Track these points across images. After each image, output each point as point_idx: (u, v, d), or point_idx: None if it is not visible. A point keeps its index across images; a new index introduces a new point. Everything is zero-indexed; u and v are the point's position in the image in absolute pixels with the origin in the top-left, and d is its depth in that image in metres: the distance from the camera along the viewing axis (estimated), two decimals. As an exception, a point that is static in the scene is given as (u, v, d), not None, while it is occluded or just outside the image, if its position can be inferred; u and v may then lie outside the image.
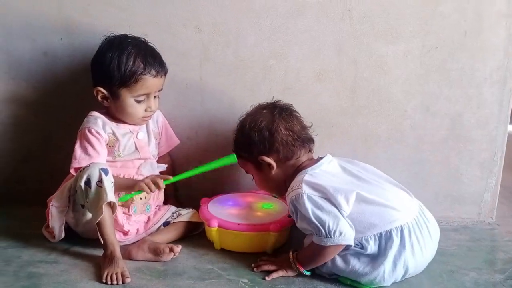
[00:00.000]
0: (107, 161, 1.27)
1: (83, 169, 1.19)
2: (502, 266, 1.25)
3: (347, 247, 1.11)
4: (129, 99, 1.26)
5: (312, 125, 1.27)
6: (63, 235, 1.25)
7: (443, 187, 1.48)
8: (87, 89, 1.32)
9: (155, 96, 1.30)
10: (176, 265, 1.20)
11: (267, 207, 1.34)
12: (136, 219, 1.30)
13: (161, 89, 1.31)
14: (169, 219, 1.33)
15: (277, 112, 1.22)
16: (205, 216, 1.28)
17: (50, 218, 1.23)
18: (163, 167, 1.36)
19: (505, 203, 1.61)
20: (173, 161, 1.47)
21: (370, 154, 1.45)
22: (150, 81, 1.25)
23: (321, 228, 1.08)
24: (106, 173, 1.17)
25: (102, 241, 1.17)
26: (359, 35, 1.38)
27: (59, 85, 1.43)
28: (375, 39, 1.38)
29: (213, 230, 1.25)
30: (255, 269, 1.17)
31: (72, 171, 1.24)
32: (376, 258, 1.10)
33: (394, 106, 1.43)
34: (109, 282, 1.11)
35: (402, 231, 1.10)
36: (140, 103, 1.27)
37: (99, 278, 1.12)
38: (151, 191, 1.20)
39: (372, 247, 1.10)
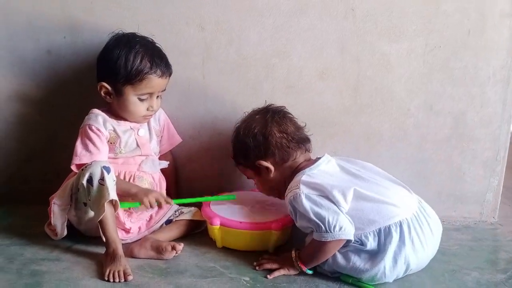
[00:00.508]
0: (109, 158, 1.28)
1: (85, 167, 1.19)
2: (504, 266, 1.24)
3: (347, 244, 1.11)
4: (132, 96, 1.26)
5: (305, 125, 1.28)
6: (65, 233, 1.25)
7: (446, 186, 1.47)
8: (91, 87, 1.33)
9: (157, 96, 1.30)
10: (178, 263, 1.20)
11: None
12: (138, 217, 1.31)
13: (164, 90, 1.31)
14: (171, 217, 1.33)
15: (270, 116, 1.24)
16: (207, 214, 1.28)
17: (52, 216, 1.24)
18: (165, 164, 1.37)
19: (507, 203, 1.60)
20: (175, 160, 1.47)
21: (373, 152, 1.45)
22: (155, 81, 1.26)
23: (321, 224, 1.09)
24: (108, 171, 1.17)
25: (104, 239, 1.18)
26: (362, 34, 1.38)
27: (63, 83, 1.44)
28: (378, 38, 1.38)
29: (215, 228, 1.25)
30: (257, 268, 1.18)
31: (73, 167, 1.25)
32: (376, 255, 1.10)
33: (397, 104, 1.43)
34: (111, 280, 1.11)
35: (401, 226, 1.11)
36: (142, 102, 1.28)
37: (101, 276, 1.13)
38: (151, 207, 1.21)
39: (371, 243, 1.11)
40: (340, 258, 1.12)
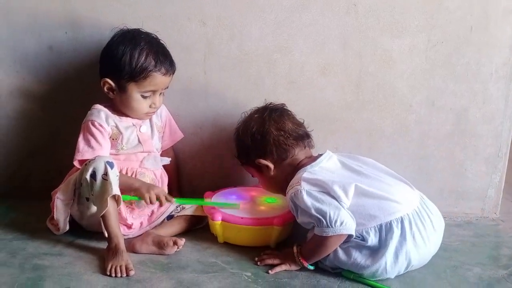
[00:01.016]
0: (110, 154, 1.28)
1: (89, 162, 1.19)
2: (506, 261, 1.24)
3: (349, 239, 1.11)
4: (135, 93, 1.26)
5: (304, 121, 1.28)
6: (67, 227, 1.26)
7: (448, 182, 1.47)
8: (93, 83, 1.33)
9: (160, 93, 1.30)
10: (179, 258, 1.20)
11: (270, 201, 1.34)
12: (140, 213, 1.31)
13: (167, 87, 1.31)
14: (173, 213, 1.33)
15: (267, 115, 1.24)
16: (209, 210, 1.29)
17: (55, 210, 1.24)
18: (167, 160, 1.37)
19: (509, 199, 1.60)
20: (177, 156, 1.48)
21: (375, 149, 1.45)
22: (159, 79, 1.26)
23: (322, 218, 1.09)
24: (112, 166, 1.17)
25: (106, 234, 1.18)
26: (364, 29, 1.38)
27: (65, 79, 1.44)
28: (380, 33, 1.38)
29: (216, 223, 1.25)
30: (258, 263, 1.18)
31: (75, 163, 1.25)
32: (377, 250, 1.10)
33: (399, 100, 1.42)
34: (113, 275, 1.11)
35: (402, 222, 1.11)
36: (145, 99, 1.28)
37: (103, 271, 1.13)
38: (151, 203, 1.21)
39: (373, 239, 1.11)
40: (341, 254, 1.12)
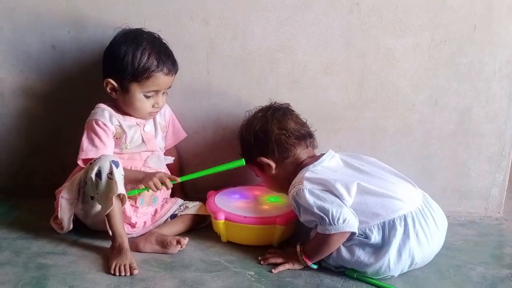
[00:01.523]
0: (114, 153, 1.28)
1: (94, 161, 1.19)
2: (509, 261, 1.24)
3: (352, 237, 1.11)
4: (138, 93, 1.26)
5: (307, 121, 1.29)
6: (71, 226, 1.26)
7: (451, 182, 1.47)
8: (96, 82, 1.33)
9: (163, 93, 1.30)
10: (183, 257, 1.21)
11: (273, 200, 1.34)
12: (144, 211, 1.31)
13: (170, 87, 1.31)
14: (176, 212, 1.34)
15: (270, 114, 1.25)
16: (212, 209, 1.29)
17: (59, 209, 1.24)
18: (170, 159, 1.37)
19: (513, 198, 1.60)
20: (180, 155, 1.48)
21: (378, 148, 1.45)
22: (161, 79, 1.25)
23: (325, 216, 1.09)
24: (117, 165, 1.17)
25: (110, 233, 1.18)
26: (367, 28, 1.37)
27: (68, 78, 1.44)
28: (383, 32, 1.37)
29: (220, 222, 1.25)
30: (262, 262, 1.18)
31: (79, 162, 1.25)
32: (380, 248, 1.11)
33: (402, 100, 1.42)
34: (117, 274, 1.11)
35: (405, 220, 1.11)
36: (148, 99, 1.28)
37: (107, 270, 1.13)
38: (157, 189, 1.21)
39: (376, 237, 1.11)
40: (344, 252, 1.12)
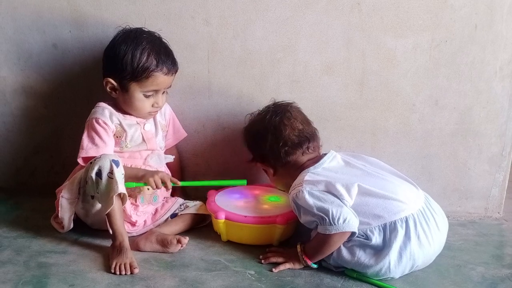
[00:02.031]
0: (114, 151, 1.28)
1: (94, 160, 1.19)
2: (509, 261, 1.24)
3: (352, 237, 1.11)
4: (138, 93, 1.26)
5: (303, 127, 1.27)
6: (71, 226, 1.26)
7: (451, 182, 1.47)
8: (97, 81, 1.33)
9: (163, 92, 1.30)
10: (183, 257, 1.21)
11: (273, 200, 1.34)
12: (144, 210, 1.31)
13: (170, 86, 1.31)
14: (177, 211, 1.34)
15: (268, 118, 1.25)
16: (212, 208, 1.29)
17: (60, 209, 1.24)
18: (171, 158, 1.38)
19: (513, 198, 1.60)
20: (180, 154, 1.48)
21: (378, 148, 1.45)
22: (161, 78, 1.26)
23: (325, 216, 1.10)
24: (117, 164, 1.18)
25: (111, 232, 1.18)
26: (368, 28, 1.37)
27: (69, 77, 1.44)
28: (384, 32, 1.37)
29: (220, 222, 1.25)
30: (263, 261, 1.18)
31: (79, 160, 1.26)
32: (381, 250, 1.11)
33: (403, 99, 1.42)
34: (118, 272, 1.12)
35: (407, 222, 1.11)
36: (148, 98, 1.28)
37: (107, 268, 1.14)
38: (157, 187, 1.22)
39: (377, 238, 1.11)
40: (345, 253, 1.12)
